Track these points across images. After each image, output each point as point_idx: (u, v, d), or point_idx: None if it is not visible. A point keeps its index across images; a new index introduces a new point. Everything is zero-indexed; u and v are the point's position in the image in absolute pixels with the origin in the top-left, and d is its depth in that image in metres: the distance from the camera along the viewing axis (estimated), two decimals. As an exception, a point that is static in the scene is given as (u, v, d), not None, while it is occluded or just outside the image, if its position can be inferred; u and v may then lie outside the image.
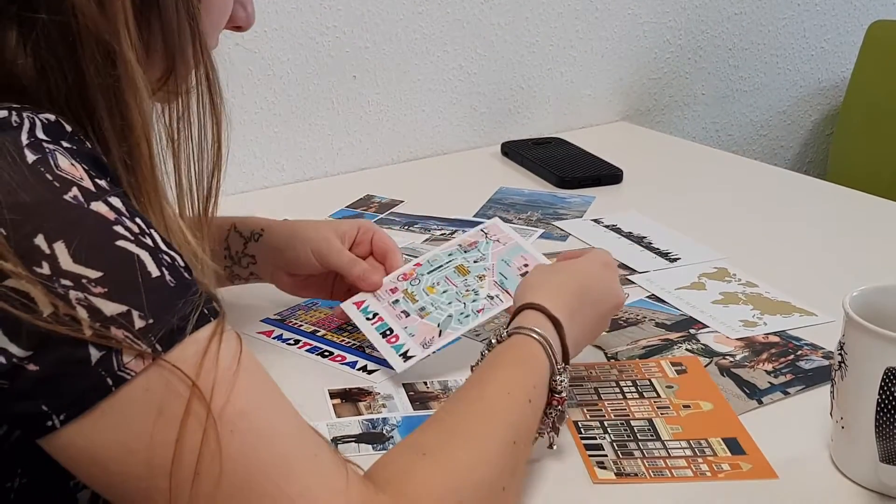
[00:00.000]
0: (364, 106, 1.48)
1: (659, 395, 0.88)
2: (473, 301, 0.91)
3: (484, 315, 0.90)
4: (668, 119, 1.79)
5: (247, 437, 0.56)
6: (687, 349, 0.96)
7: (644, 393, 0.88)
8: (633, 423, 0.84)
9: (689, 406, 0.86)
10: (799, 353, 0.95)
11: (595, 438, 0.82)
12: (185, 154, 0.65)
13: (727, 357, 0.94)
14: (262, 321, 1.01)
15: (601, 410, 0.85)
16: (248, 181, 1.40)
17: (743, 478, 0.77)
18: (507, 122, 1.62)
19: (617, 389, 0.89)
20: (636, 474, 0.77)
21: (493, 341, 0.78)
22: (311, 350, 0.96)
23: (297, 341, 0.97)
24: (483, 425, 0.68)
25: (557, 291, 0.81)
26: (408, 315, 0.91)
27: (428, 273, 0.95)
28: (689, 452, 0.80)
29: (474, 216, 1.30)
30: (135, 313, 0.54)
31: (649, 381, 0.90)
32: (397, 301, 0.93)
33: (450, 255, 0.97)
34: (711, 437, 0.82)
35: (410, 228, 1.26)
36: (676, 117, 1.80)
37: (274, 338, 0.98)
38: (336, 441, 0.81)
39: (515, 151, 1.52)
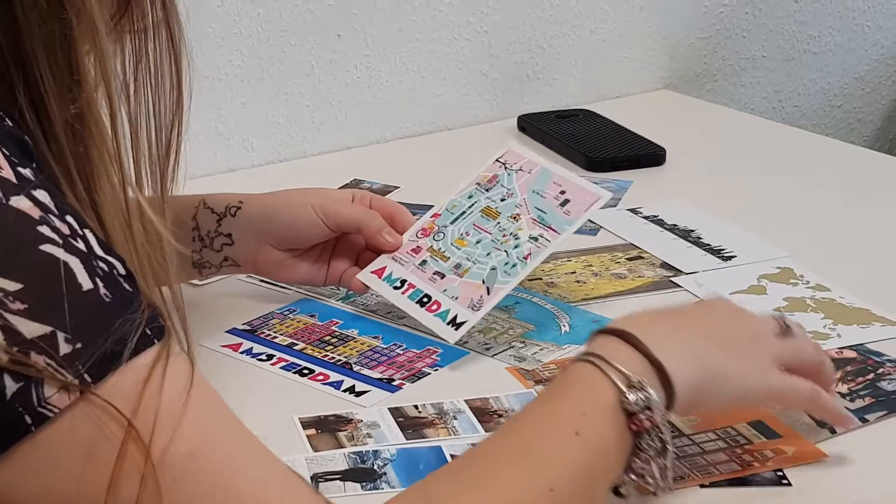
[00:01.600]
0: (351, 71, 1.48)
1: None
2: (516, 247, 0.91)
3: (533, 260, 0.90)
4: (721, 87, 1.79)
5: (194, 485, 0.55)
6: (744, 367, 0.96)
7: None
8: None
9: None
10: (880, 371, 0.95)
11: None
12: (143, 107, 0.64)
13: (793, 376, 0.94)
14: (227, 332, 1.01)
15: None
16: (209, 163, 1.40)
17: (791, 463, 0.82)
18: (525, 90, 1.61)
19: None
20: (682, 477, 0.81)
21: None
22: (287, 367, 0.96)
23: (269, 357, 0.98)
24: (508, 471, 0.67)
25: (646, 314, 0.79)
26: (443, 276, 0.91)
27: (451, 224, 0.95)
28: (722, 445, 0.84)
29: (485, 205, 1.30)
30: (60, 335, 0.53)
31: None
32: (425, 262, 0.93)
33: (470, 197, 0.97)
34: (737, 424, 0.86)
35: (407, 220, 1.26)
36: (731, 84, 1.80)
37: (242, 352, 0.98)
38: (317, 479, 0.81)
39: (535, 127, 1.52)
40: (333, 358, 0.97)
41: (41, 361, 0.53)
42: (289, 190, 1.01)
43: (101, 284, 0.55)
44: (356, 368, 0.95)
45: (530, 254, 0.90)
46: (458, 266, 0.91)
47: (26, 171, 0.56)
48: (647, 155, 1.42)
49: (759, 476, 0.81)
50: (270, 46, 1.41)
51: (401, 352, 0.98)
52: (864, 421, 0.88)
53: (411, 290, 0.91)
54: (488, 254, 0.91)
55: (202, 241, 0.99)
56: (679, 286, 1.10)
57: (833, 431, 0.86)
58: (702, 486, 0.80)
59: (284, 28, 1.42)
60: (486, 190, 0.96)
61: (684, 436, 0.85)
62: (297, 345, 0.99)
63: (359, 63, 1.48)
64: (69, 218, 0.56)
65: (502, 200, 0.95)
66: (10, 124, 0.58)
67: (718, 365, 0.77)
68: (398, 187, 1.35)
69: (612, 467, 0.71)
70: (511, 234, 0.92)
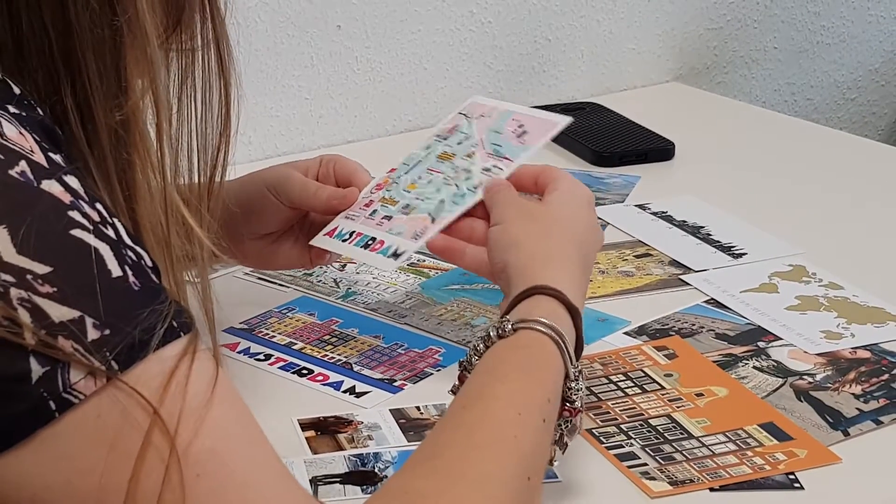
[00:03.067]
0: (351, 63, 1.48)
1: (663, 387, 0.92)
2: (467, 179, 0.91)
3: (483, 190, 0.90)
4: (732, 79, 1.79)
5: (216, 482, 0.56)
6: (754, 367, 0.95)
7: (644, 386, 0.92)
8: (652, 422, 0.88)
9: (702, 394, 0.90)
10: (895, 371, 0.95)
11: (623, 446, 0.85)
12: (185, 127, 0.66)
13: (805, 377, 0.94)
14: (224, 331, 1.01)
15: (609, 413, 0.89)
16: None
17: (804, 466, 0.82)
18: (530, 83, 1.61)
19: (612, 386, 0.92)
20: (692, 480, 0.81)
21: (493, 335, 0.76)
22: (286, 367, 0.96)
23: (267, 356, 0.98)
24: (490, 460, 0.67)
25: (564, 263, 0.82)
26: (390, 219, 0.92)
27: (405, 174, 0.96)
28: (733, 447, 0.85)
29: (489, 201, 1.30)
30: (88, 321, 0.54)
31: (643, 371, 0.94)
32: (375, 212, 0.94)
33: (427, 148, 0.98)
34: (747, 426, 0.87)
35: (409, 216, 1.26)
36: (742, 77, 1.80)
37: (239, 352, 0.98)
38: (316, 482, 0.81)
39: (540, 120, 1.52)
40: (333, 358, 0.97)
41: (69, 346, 0.53)
42: (249, 174, 0.99)
43: (130, 273, 0.56)
44: (356, 368, 0.95)
45: (481, 183, 0.90)
46: (406, 206, 0.92)
47: (57, 157, 0.56)
48: (656, 149, 1.42)
49: (770, 479, 0.81)
50: (269, 37, 1.41)
51: (402, 351, 0.98)
52: (879, 423, 0.88)
53: (357, 238, 0.92)
54: (438, 190, 0.92)
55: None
56: (688, 284, 1.10)
57: (846, 434, 0.86)
58: (711, 489, 0.80)
59: (283, 19, 1.41)
60: (445, 139, 0.97)
61: (693, 438, 0.86)
62: (295, 344, 0.99)
63: (359, 55, 1.48)
64: (98, 205, 0.57)
65: (459, 144, 0.96)
66: (41, 113, 0.58)
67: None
68: (400, 182, 1.35)
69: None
70: (464, 169, 0.92)
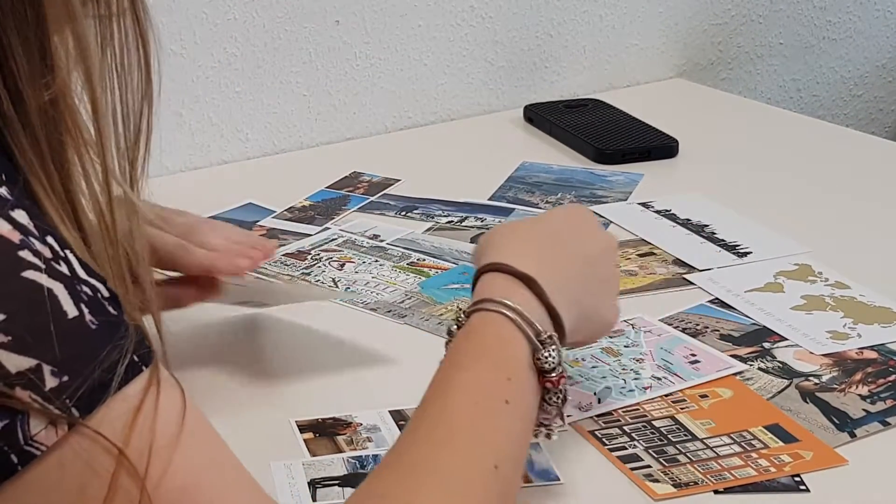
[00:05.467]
0: (350, 59, 1.48)
1: None
2: (636, 379, 0.93)
3: (653, 392, 0.92)
4: (736, 75, 1.79)
5: None
6: (760, 368, 0.95)
7: None
8: (656, 423, 0.88)
9: (706, 396, 0.91)
10: (902, 372, 0.95)
11: (626, 448, 0.85)
12: (108, 94, 0.63)
13: (811, 378, 0.94)
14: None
15: (612, 414, 0.89)
16: (202, 155, 1.40)
17: (810, 468, 0.82)
18: (531, 79, 1.61)
19: None
20: (696, 482, 0.81)
21: (454, 328, 0.76)
22: None
23: None
24: (450, 454, 0.66)
25: (521, 242, 0.80)
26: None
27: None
28: (737, 449, 0.85)
29: (490, 199, 1.30)
30: (46, 368, 0.52)
31: None
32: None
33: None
34: (752, 428, 0.87)
35: (409, 215, 1.26)
36: (746, 73, 1.80)
37: None
38: (315, 485, 0.81)
39: (542, 117, 1.52)
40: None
41: (26, 396, 0.52)
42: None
43: (86, 311, 0.55)
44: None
45: (651, 387, 0.92)
46: (569, 377, 0.93)
47: (2, 190, 0.54)
48: (659, 146, 1.42)
49: (776, 482, 0.81)
50: (266, 33, 1.41)
51: None
52: (886, 424, 0.88)
53: None
54: (604, 377, 0.94)
55: None
56: (692, 284, 1.10)
57: (853, 435, 0.86)
58: (716, 492, 0.80)
59: (281, 14, 1.41)
60: (610, 337, 0.98)
61: (698, 439, 0.86)
62: None
63: (358, 50, 1.48)
64: (50, 239, 0.55)
65: (626, 347, 0.98)
66: None
67: (589, 306, 0.81)
68: (399, 180, 1.35)
69: (531, 425, 0.73)
70: (632, 370, 0.95)
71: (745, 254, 1.16)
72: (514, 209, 1.27)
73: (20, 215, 0.54)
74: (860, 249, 1.18)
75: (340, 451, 0.85)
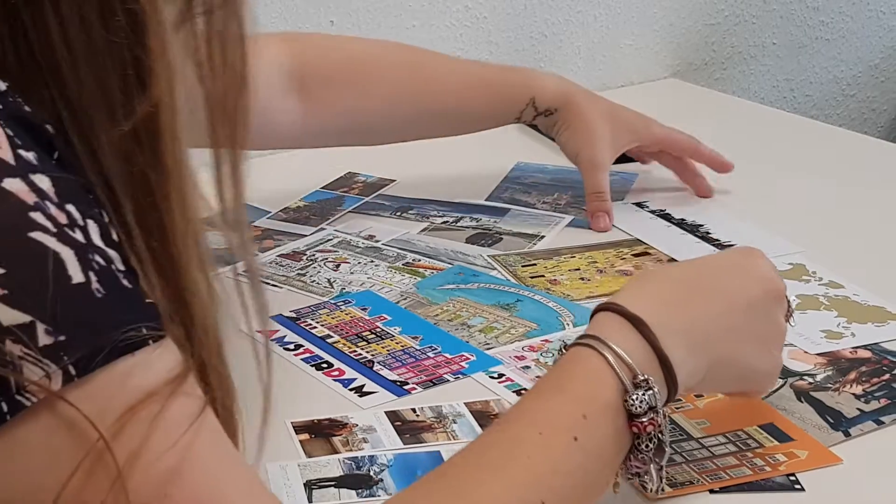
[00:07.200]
0: (344, 59, 1.48)
1: None
2: None
3: None
4: (730, 75, 1.79)
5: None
6: (754, 367, 0.96)
7: None
8: None
9: (701, 395, 0.91)
10: (896, 372, 0.95)
11: None
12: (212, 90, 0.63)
13: (805, 377, 0.94)
14: (271, 318, 1.01)
15: None
16: (196, 153, 1.39)
17: (805, 467, 0.83)
18: (525, 79, 1.61)
19: None
20: (691, 482, 0.81)
21: (559, 354, 0.74)
22: (308, 359, 0.97)
23: (297, 346, 0.99)
24: (495, 479, 0.65)
25: (658, 283, 0.78)
26: None
27: None
28: (733, 448, 0.85)
29: (486, 199, 1.30)
30: (40, 326, 0.52)
31: None
32: (528, 368, 0.96)
33: None
34: (747, 427, 0.87)
35: (404, 215, 1.26)
36: (740, 73, 1.80)
37: (274, 339, 0.99)
38: (310, 486, 0.81)
39: (536, 117, 1.52)
40: (360, 355, 0.97)
41: (17, 350, 0.52)
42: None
43: (94, 279, 0.54)
44: (376, 368, 0.95)
45: None
46: None
47: (29, 155, 0.55)
48: (654, 146, 1.42)
49: (771, 481, 0.81)
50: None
51: (432, 355, 0.97)
52: (880, 423, 0.88)
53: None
54: None
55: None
56: (687, 283, 1.10)
57: (847, 434, 0.87)
58: (711, 491, 0.80)
59: (275, 14, 1.41)
60: None
61: (693, 439, 0.86)
62: (331, 338, 1.00)
63: (353, 51, 1.48)
64: (70, 206, 0.55)
65: None
66: (28, 109, 0.56)
67: (728, 352, 0.77)
68: (394, 181, 1.35)
69: (608, 470, 0.70)
70: None
71: (740, 254, 1.16)
72: (509, 209, 1.27)
73: (42, 180, 0.54)
74: (854, 249, 1.18)
75: (336, 452, 0.85)
